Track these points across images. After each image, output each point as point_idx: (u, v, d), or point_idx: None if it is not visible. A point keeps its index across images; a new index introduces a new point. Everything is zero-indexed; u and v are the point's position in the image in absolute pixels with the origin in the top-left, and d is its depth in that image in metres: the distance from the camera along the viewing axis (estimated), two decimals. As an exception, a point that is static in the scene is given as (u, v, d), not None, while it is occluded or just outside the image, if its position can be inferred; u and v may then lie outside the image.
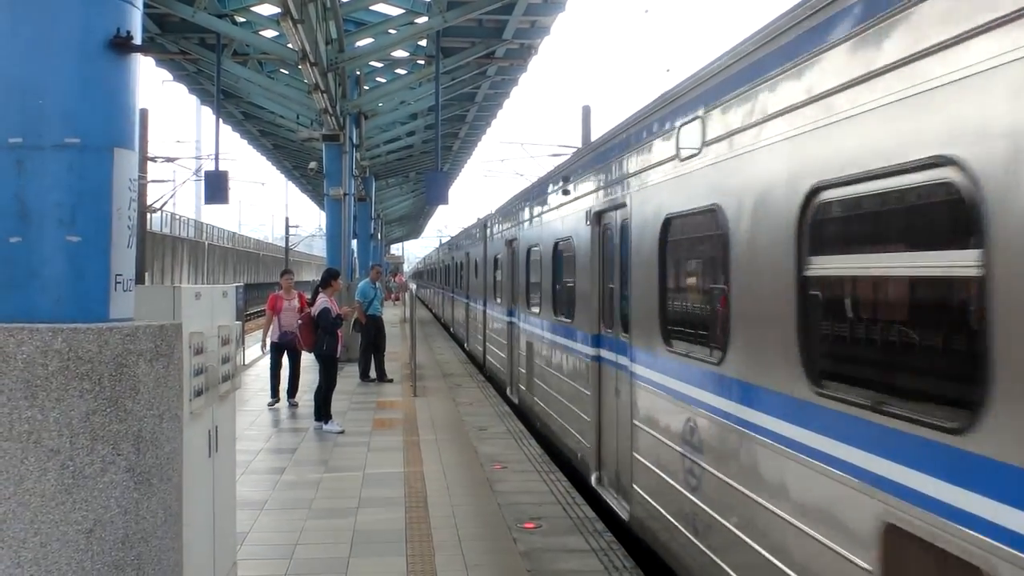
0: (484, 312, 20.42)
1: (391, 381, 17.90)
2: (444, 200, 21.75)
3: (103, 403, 3.58)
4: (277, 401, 14.87)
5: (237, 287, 6.69)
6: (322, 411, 12.69)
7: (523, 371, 14.20)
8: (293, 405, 14.81)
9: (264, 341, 15.47)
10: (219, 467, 5.53)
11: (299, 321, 13.32)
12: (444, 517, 8.23)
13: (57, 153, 3.72)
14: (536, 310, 12.89)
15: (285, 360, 15.07)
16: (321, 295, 12.95)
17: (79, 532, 3.52)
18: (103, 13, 3.87)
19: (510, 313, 15.81)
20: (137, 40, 3.99)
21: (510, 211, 16.39)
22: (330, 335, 12.79)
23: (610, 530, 7.92)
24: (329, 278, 13.37)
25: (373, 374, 18.12)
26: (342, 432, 12.32)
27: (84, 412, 3.54)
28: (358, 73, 24.73)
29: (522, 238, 14.26)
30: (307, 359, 14.82)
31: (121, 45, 3.87)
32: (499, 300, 17.43)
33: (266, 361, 15.79)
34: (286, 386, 14.97)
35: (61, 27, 3.77)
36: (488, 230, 20.00)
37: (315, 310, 12.80)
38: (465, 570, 6.81)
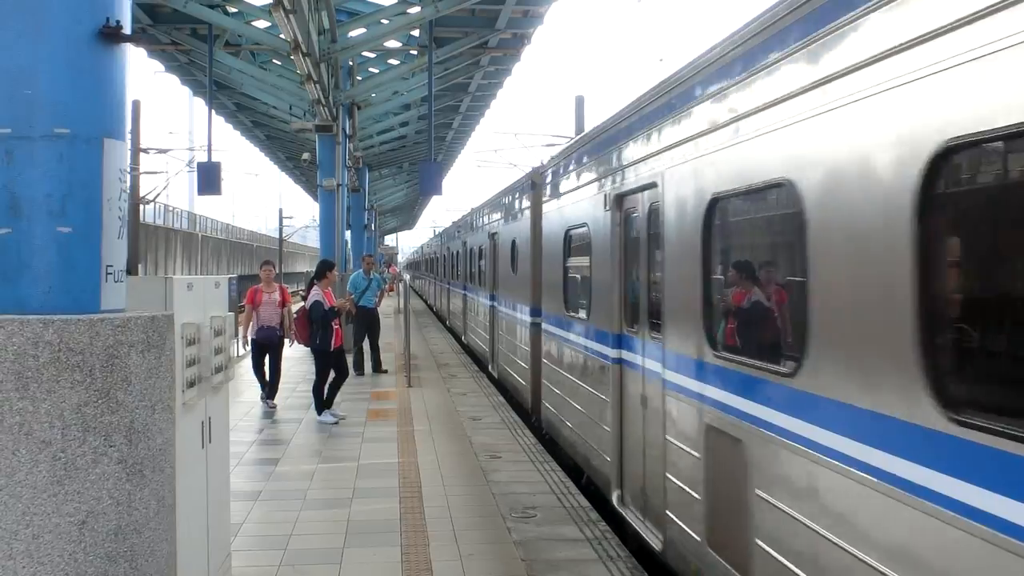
0: (535, 329, 13.17)
1: (385, 372, 17.77)
2: (438, 191, 21.74)
3: (94, 394, 3.57)
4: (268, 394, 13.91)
5: (230, 278, 6.68)
6: (317, 403, 12.60)
7: (679, 483, 6.41)
8: (271, 407, 13.61)
9: (245, 337, 14.07)
10: (213, 458, 5.52)
11: (295, 315, 13.24)
12: (439, 507, 8.23)
13: (47, 143, 3.70)
14: (763, 362, 5.13)
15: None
16: (315, 287, 12.79)
17: (71, 524, 3.52)
18: (92, 3, 3.85)
19: (618, 343, 8.26)
20: (127, 30, 3.97)
21: (614, 142, 8.49)
22: (323, 328, 12.51)
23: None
24: (323, 269, 13.08)
25: (366, 368, 17.73)
26: (336, 423, 12.28)
27: (75, 403, 3.54)
28: (351, 63, 24.64)
29: (679, 183, 6.45)
30: (292, 356, 14.41)
31: (111, 35, 3.86)
32: (585, 313, 9.58)
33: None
34: (268, 384, 13.95)
35: (50, 17, 3.75)
36: (545, 189, 12.39)
37: (308, 303, 12.70)
38: (460, 560, 6.82)
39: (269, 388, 13.81)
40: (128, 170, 4.09)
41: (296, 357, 17.19)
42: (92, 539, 3.55)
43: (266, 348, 13.76)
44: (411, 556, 6.89)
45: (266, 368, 13.92)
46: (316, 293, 12.61)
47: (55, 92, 3.74)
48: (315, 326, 12.52)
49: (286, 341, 13.95)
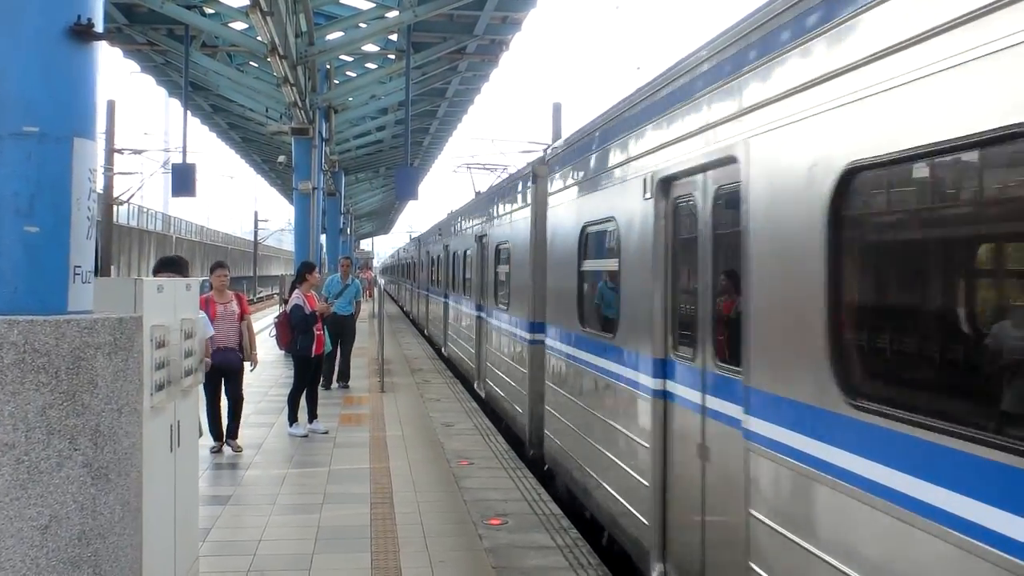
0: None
1: (347, 387, 16.48)
2: (414, 195, 21.69)
3: (60, 397, 3.52)
4: (221, 445, 10.88)
5: (203, 281, 6.64)
6: (291, 412, 12.12)
7: None
8: (235, 449, 10.87)
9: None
10: (181, 462, 5.46)
11: (276, 320, 12.76)
12: (410, 513, 8.19)
13: (15, 142, 3.66)
14: None
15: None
16: (296, 291, 12.31)
17: (34, 528, 3.46)
18: (64, 0, 3.80)
19: None
20: (99, 28, 3.92)
21: None
22: (303, 333, 11.96)
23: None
24: (303, 272, 12.52)
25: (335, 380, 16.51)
26: (305, 436, 11.81)
27: (40, 406, 3.49)
28: (328, 67, 24.58)
29: None
30: (261, 360, 12.78)
31: (82, 33, 3.81)
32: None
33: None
34: (225, 422, 10.99)
35: (20, 14, 3.70)
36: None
37: (288, 306, 12.33)
38: (430, 566, 6.78)
39: (229, 426, 10.95)
40: (98, 169, 4.04)
41: (268, 361, 16.99)
42: (55, 544, 3.50)
43: (223, 376, 10.71)
44: (381, 563, 6.84)
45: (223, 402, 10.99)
46: (297, 296, 12.14)
47: (25, 90, 3.69)
48: (295, 331, 12.02)
49: (247, 365, 11.13)
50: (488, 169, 26.03)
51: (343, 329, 16.14)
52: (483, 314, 16.03)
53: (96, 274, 5.82)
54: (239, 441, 10.99)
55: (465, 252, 18.56)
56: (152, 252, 54.94)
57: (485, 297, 15.75)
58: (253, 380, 11.90)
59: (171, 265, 8.42)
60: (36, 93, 3.71)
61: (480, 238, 15.51)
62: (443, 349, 22.98)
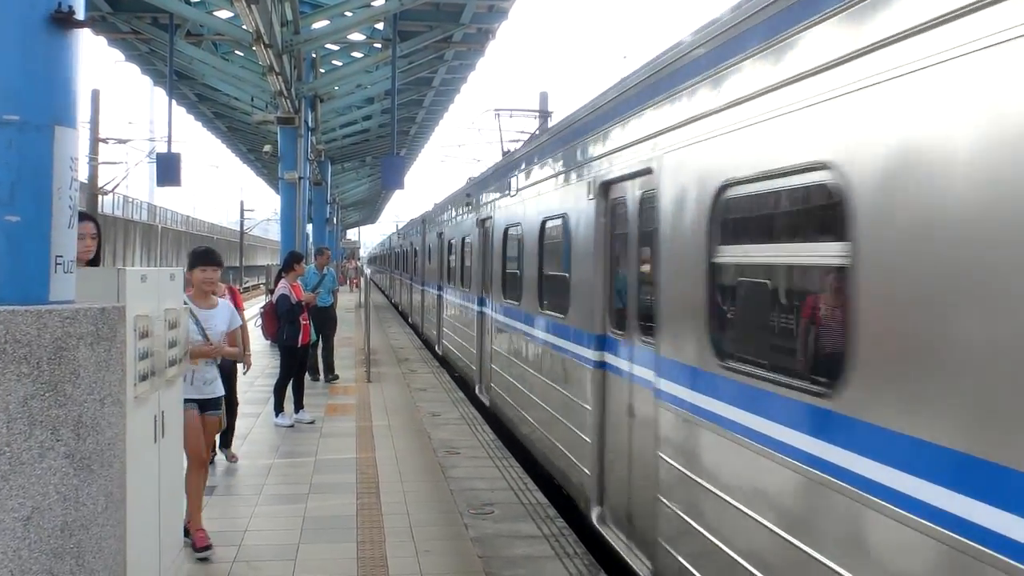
0: None
1: (336, 377, 16.25)
2: (400, 185, 21.62)
3: (42, 387, 3.50)
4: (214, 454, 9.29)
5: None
6: (277, 402, 12.08)
7: None
8: (230, 459, 9.90)
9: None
10: (166, 453, 5.44)
11: (262, 310, 12.67)
12: (396, 503, 8.19)
13: (-5, 130, 3.62)
14: None
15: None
16: (282, 280, 12.29)
17: (16, 520, 3.44)
18: (45, -13, 3.76)
19: None
20: (80, 15, 3.88)
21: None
22: (290, 323, 11.95)
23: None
24: (291, 262, 12.48)
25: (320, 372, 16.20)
26: (291, 426, 11.78)
27: (22, 397, 3.46)
28: (313, 56, 24.47)
29: None
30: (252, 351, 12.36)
31: (62, 20, 3.77)
32: None
33: None
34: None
35: (2, 1, 3.66)
36: None
37: (274, 296, 12.28)
38: (416, 556, 6.79)
39: (222, 434, 9.45)
40: (79, 158, 4.01)
41: (254, 351, 16.89)
42: (37, 535, 3.48)
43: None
44: (367, 552, 6.84)
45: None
46: (283, 286, 12.10)
47: (4, 77, 3.65)
48: (282, 321, 11.99)
49: (240, 367, 9.56)
50: (531, 114, 19.97)
51: (325, 319, 15.74)
52: (616, 362, 7.24)
53: (98, 263, 5.83)
54: (233, 449, 10.05)
55: (544, 226, 9.74)
56: (137, 242, 54.73)
57: (613, 323, 7.41)
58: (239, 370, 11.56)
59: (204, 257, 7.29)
60: (16, 81, 3.67)
61: (605, 188, 7.38)
62: (477, 390, 15.15)
